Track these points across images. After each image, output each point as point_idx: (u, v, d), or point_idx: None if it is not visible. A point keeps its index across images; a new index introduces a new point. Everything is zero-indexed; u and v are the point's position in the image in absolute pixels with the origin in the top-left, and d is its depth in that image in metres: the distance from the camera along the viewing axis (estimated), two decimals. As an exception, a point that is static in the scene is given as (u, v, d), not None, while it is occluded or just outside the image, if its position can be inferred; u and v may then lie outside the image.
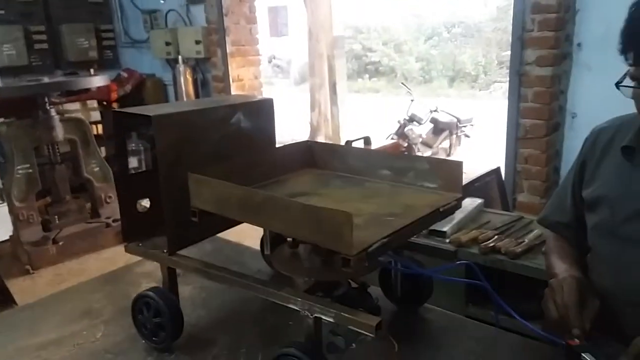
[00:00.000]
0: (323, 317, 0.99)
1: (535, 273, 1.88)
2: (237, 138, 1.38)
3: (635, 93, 0.98)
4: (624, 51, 0.96)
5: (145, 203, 1.36)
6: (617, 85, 0.99)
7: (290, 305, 1.03)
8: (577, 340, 1.00)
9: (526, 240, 2.03)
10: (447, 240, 2.12)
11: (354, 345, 1.13)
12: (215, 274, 1.16)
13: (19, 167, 3.88)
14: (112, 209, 4.18)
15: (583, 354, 0.96)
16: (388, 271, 1.35)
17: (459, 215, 2.31)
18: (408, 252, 1.34)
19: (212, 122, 1.32)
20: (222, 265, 1.18)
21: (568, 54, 2.97)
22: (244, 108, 1.41)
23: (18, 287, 3.52)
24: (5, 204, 3.92)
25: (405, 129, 6.23)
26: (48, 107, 3.93)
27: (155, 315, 1.24)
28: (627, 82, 0.98)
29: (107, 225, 4.11)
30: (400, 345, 1.11)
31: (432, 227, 2.20)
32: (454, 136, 6.48)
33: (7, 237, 4.07)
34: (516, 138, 3.15)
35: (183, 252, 1.28)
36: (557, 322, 1.01)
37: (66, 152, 4.17)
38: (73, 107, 4.86)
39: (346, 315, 0.97)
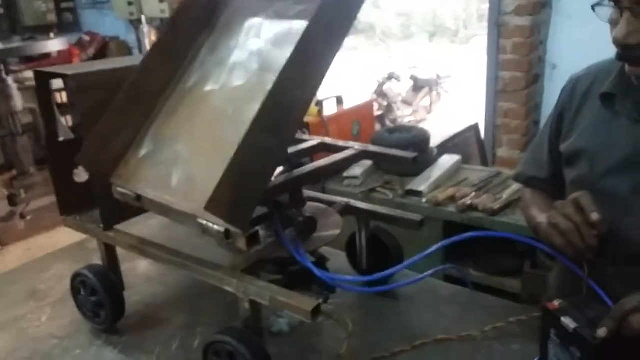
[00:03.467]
0: (258, 299, 0.90)
1: (514, 229, 1.83)
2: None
3: (611, 16, 0.88)
4: None
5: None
6: (594, 6, 0.88)
7: (225, 287, 0.93)
8: (556, 304, 0.92)
9: (504, 196, 1.97)
10: (424, 200, 2.05)
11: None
12: (150, 251, 1.06)
13: (-22, 140, 3.70)
14: (81, 181, 4.03)
15: (562, 318, 0.89)
16: (354, 241, 1.26)
17: (436, 172, 2.23)
18: (374, 222, 1.25)
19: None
20: (174, 243, 1.07)
21: (548, 3, 2.86)
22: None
23: (-13, 264, 3.39)
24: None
25: (384, 87, 6.07)
26: (4, 76, 3.71)
27: (92, 294, 1.15)
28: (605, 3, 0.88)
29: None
30: (363, 318, 1.03)
31: (408, 187, 2.13)
32: (434, 92, 6.35)
33: (-27, 215, 3.91)
34: (495, 92, 3.06)
35: (132, 225, 1.17)
36: (566, 240, 0.90)
37: (28, 122, 3.97)
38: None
39: (281, 299, 0.87)
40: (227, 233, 0.82)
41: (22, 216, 3.82)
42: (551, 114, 1.16)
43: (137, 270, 1.42)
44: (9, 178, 4.03)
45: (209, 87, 1.04)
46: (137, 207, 1.06)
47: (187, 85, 1.08)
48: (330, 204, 1.23)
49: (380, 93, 5.96)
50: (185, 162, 0.97)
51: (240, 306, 0.92)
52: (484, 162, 2.97)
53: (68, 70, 1.06)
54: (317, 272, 0.94)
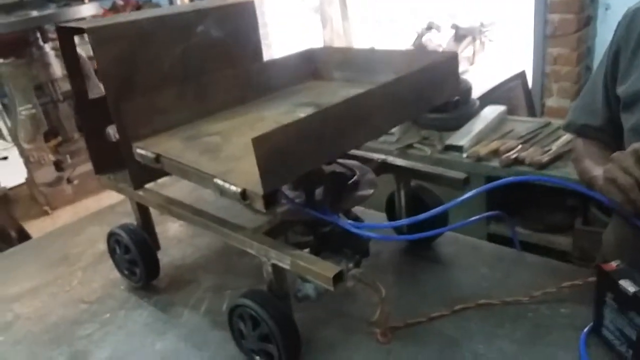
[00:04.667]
0: (279, 263, 0.84)
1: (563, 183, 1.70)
2: (209, 51, 1.18)
3: None
4: None
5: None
6: None
7: (247, 249, 0.88)
8: (613, 265, 0.82)
9: (554, 148, 1.83)
10: (465, 155, 1.93)
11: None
12: (176, 211, 1.02)
13: (21, 109, 3.79)
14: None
15: (621, 281, 0.79)
16: (394, 201, 1.17)
17: (478, 125, 2.10)
18: (415, 181, 1.15)
19: (170, 33, 1.11)
20: (204, 205, 1.03)
21: None
22: (214, 14, 1.19)
23: (37, 228, 3.52)
24: (15, 146, 3.86)
25: (423, 38, 5.78)
26: (41, 43, 3.75)
27: (126, 252, 1.15)
28: None
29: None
30: (397, 282, 0.96)
31: (447, 142, 2.01)
32: (477, 42, 6.01)
33: (23, 180, 4.05)
34: (544, 36, 2.85)
35: (168, 185, 1.18)
36: (626, 197, 0.80)
37: (68, 90, 4.02)
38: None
39: (302, 263, 0.80)
40: (243, 194, 0.75)
41: (69, 181, 3.92)
42: (605, 54, 1.03)
43: (168, 233, 1.39)
44: (54, 144, 4.14)
45: (269, 113, 1.09)
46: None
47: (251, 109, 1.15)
48: (365, 161, 1.15)
49: (419, 45, 5.69)
50: (219, 148, 0.96)
51: (264, 270, 0.87)
52: (532, 114, 2.79)
53: (88, 24, 1.02)
54: (345, 224, 0.87)
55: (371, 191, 1.00)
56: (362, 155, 1.17)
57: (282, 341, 0.82)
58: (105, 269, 1.24)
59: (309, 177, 0.96)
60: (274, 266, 0.85)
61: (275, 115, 1.07)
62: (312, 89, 1.24)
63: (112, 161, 1.18)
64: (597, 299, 0.85)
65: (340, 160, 1.10)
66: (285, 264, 0.82)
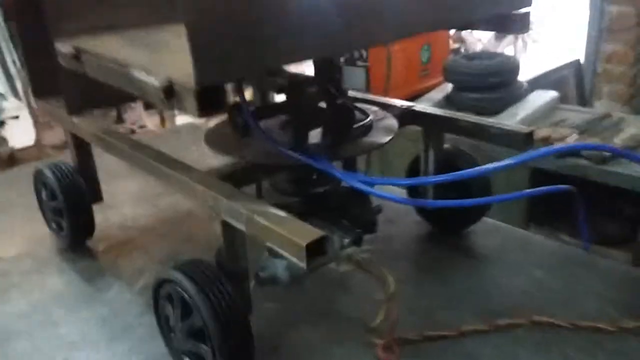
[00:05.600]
0: (232, 221, 0.54)
1: (629, 182, 1.41)
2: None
3: None
4: None
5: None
6: None
7: (191, 198, 0.59)
8: None
9: (618, 142, 1.51)
10: (507, 141, 1.62)
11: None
12: (113, 144, 0.74)
13: (30, 67, 3.62)
14: (136, 115, 3.95)
15: None
16: (418, 168, 0.85)
17: (524, 110, 1.79)
18: (452, 138, 0.83)
19: None
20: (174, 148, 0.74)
21: None
22: None
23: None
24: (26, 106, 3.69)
25: (463, 32, 5.44)
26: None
27: (52, 199, 0.88)
28: None
29: (132, 131, 3.88)
30: (414, 274, 0.65)
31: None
32: (520, 41, 5.64)
33: (32, 142, 3.90)
34: (599, 30, 2.52)
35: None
36: None
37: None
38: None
39: (262, 221, 0.49)
40: (168, 90, 0.46)
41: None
42: None
43: (128, 189, 1.11)
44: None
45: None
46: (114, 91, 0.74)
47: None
48: (386, 107, 0.84)
49: (458, 38, 5.35)
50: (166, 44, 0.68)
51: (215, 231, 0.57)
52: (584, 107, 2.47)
53: None
54: (343, 175, 0.57)
55: (387, 138, 0.68)
56: (382, 101, 0.86)
57: (219, 342, 0.52)
58: (37, 221, 0.96)
59: (301, 110, 0.66)
60: (225, 225, 0.55)
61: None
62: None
63: (55, 83, 0.91)
64: None
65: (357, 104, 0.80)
66: (238, 222, 0.52)
